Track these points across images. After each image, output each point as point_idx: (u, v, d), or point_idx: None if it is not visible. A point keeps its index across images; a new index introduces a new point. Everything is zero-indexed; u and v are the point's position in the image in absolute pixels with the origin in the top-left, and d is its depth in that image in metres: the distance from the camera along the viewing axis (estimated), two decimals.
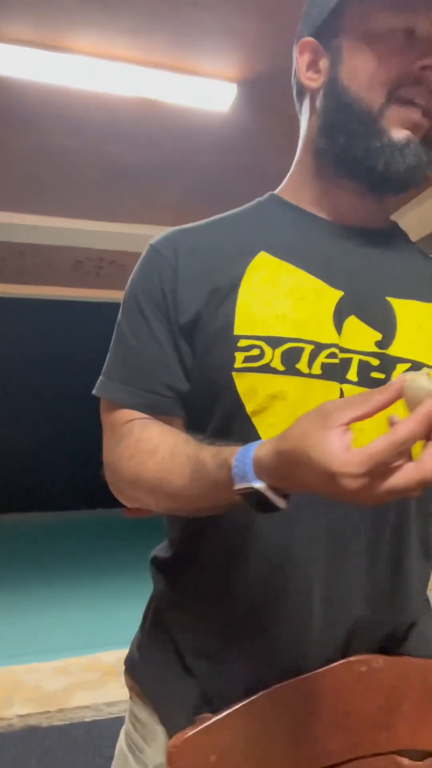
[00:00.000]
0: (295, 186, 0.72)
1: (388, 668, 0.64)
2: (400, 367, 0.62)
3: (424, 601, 0.69)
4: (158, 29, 2.23)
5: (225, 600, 0.65)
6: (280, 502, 0.49)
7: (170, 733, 0.66)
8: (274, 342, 0.61)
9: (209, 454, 0.56)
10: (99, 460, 0.73)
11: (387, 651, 0.65)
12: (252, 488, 0.49)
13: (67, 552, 5.48)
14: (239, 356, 0.61)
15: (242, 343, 0.61)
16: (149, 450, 0.62)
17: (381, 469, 0.41)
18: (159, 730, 0.68)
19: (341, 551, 0.62)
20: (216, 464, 0.54)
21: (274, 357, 0.60)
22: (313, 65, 0.67)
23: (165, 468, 0.60)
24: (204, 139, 2.99)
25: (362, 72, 0.62)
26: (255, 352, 0.61)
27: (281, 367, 0.60)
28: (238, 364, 0.61)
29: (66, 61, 2.35)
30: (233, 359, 0.61)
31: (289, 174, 0.73)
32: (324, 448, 0.43)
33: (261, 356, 0.61)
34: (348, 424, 0.44)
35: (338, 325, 0.63)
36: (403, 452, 0.42)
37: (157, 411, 0.67)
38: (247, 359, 0.61)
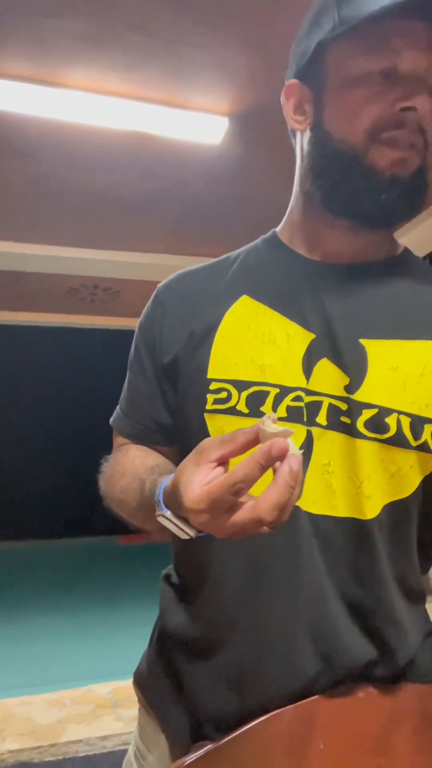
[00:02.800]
0: (290, 226, 0.73)
1: (385, 694, 0.64)
2: (366, 413, 0.61)
3: (424, 635, 0.68)
4: (152, 66, 2.30)
5: (207, 632, 0.66)
6: (186, 531, 0.52)
7: (171, 741, 0.69)
8: (241, 385, 0.64)
9: (150, 480, 0.60)
10: (93, 488, 0.76)
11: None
12: (163, 515, 0.54)
13: (59, 581, 5.38)
14: (210, 398, 0.65)
15: (213, 386, 0.65)
16: (120, 473, 0.70)
17: (221, 506, 0.44)
18: (161, 738, 0.70)
19: (318, 592, 0.62)
20: (149, 491, 0.59)
21: (240, 400, 0.63)
22: (299, 108, 0.67)
23: (125, 490, 0.67)
24: (196, 170, 3.06)
25: (343, 118, 0.62)
26: (223, 394, 0.64)
27: (246, 410, 0.63)
28: (209, 406, 0.65)
29: (62, 96, 2.42)
30: (205, 401, 0.65)
31: (287, 212, 0.74)
32: (187, 483, 0.47)
33: (228, 399, 0.64)
34: (216, 461, 0.47)
35: (307, 368, 0.63)
36: (240, 491, 0.44)
37: (142, 440, 0.75)
38: (216, 401, 0.64)
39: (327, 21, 0.62)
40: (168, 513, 0.53)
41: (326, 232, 0.68)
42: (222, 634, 0.64)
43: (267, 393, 0.63)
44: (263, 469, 0.43)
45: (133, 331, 0.78)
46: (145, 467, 0.65)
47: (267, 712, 0.60)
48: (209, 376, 0.65)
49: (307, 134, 0.67)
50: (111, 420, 0.79)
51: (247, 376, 0.64)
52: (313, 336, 0.64)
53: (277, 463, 0.44)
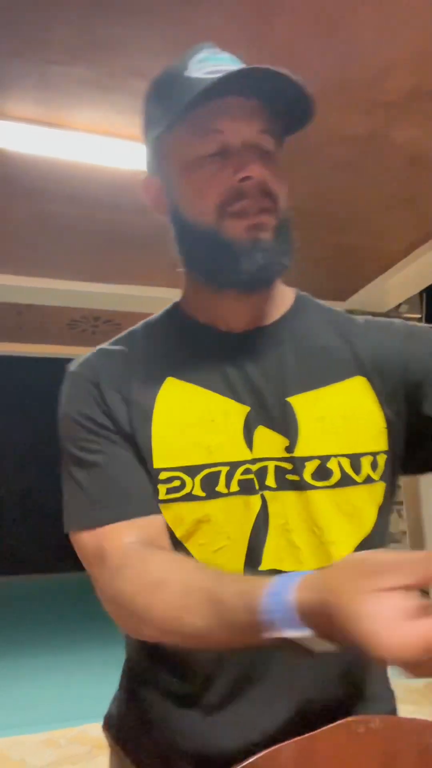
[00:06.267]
0: (188, 297, 0.74)
1: (384, 729, 0.63)
2: (309, 466, 0.63)
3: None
4: None
5: (180, 680, 0.66)
6: (329, 647, 0.46)
7: None
8: (193, 471, 0.63)
9: (230, 592, 0.51)
10: None
11: None
12: (297, 637, 0.46)
13: (53, 616, 5.28)
14: (162, 488, 0.63)
15: (163, 475, 0.63)
16: (153, 583, 0.57)
17: None
18: None
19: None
20: (240, 606, 0.49)
21: (194, 485, 0.63)
22: (157, 199, 0.71)
23: (179, 606, 0.55)
24: None
25: (190, 198, 0.65)
26: (176, 483, 0.63)
27: (202, 494, 0.63)
28: (162, 497, 0.63)
29: (66, 137, 2.50)
30: (157, 491, 0.64)
31: (184, 285, 0.75)
32: (371, 618, 0.40)
33: (182, 486, 0.63)
34: (391, 589, 0.40)
35: (248, 439, 0.65)
36: None
37: (144, 514, 0.64)
38: (169, 491, 0.63)
39: (157, 117, 0.66)
40: (309, 633, 0.45)
41: (219, 302, 0.69)
42: (195, 684, 0.65)
43: (219, 473, 0.63)
44: None
45: None
46: (198, 571, 0.57)
47: (244, 754, 0.59)
48: (156, 466, 0.64)
49: (169, 219, 0.70)
50: (85, 523, 0.65)
51: (195, 461, 0.64)
52: (248, 408, 0.66)
53: None
